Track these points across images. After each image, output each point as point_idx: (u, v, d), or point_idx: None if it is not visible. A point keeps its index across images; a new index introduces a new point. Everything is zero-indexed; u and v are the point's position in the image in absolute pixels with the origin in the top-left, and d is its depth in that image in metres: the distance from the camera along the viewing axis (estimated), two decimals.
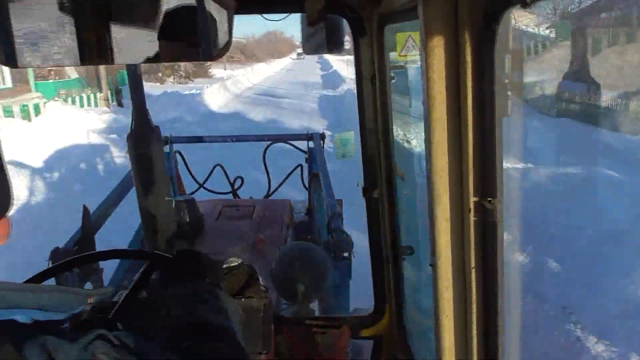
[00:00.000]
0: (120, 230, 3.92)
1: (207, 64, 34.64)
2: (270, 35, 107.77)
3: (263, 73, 46.44)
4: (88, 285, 2.92)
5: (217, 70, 46.78)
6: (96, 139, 12.98)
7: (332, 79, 33.20)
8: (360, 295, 2.95)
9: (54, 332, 0.73)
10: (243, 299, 1.87)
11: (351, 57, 2.11)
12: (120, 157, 10.81)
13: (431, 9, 0.97)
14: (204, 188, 4.88)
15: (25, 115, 15.98)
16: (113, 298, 1.23)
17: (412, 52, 2.24)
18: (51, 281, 1.50)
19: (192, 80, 36.64)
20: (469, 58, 0.96)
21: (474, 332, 1.15)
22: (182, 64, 29.37)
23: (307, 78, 37.23)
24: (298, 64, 63.69)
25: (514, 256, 5.00)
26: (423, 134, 1.11)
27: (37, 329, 0.73)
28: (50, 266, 1.46)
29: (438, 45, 0.99)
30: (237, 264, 2.18)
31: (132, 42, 1.30)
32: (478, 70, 0.96)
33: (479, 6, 0.93)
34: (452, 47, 0.98)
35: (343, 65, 38.01)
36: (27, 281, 1.37)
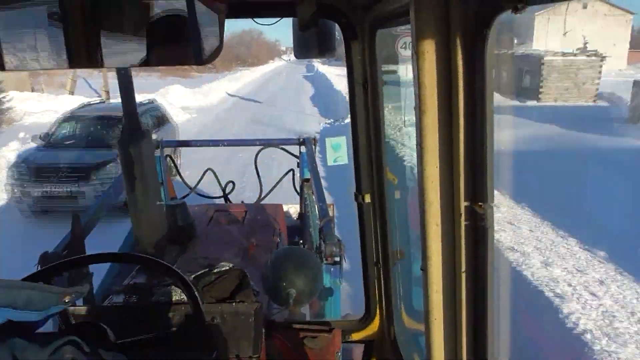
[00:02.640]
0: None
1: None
2: (245, 35, 78.69)
3: None
4: None
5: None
6: None
7: None
8: None
9: (24, 334, 0.72)
10: (234, 303, 1.86)
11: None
12: None
13: (423, 13, 0.98)
14: (195, 192, 4.86)
15: None
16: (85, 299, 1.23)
17: None
18: None
19: None
20: (460, 62, 0.96)
21: (464, 335, 1.15)
22: None
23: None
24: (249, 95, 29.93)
25: None
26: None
27: (7, 330, 0.71)
28: (40, 269, 1.45)
29: (429, 49, 0.99)
30: (228, 268, 2.18)
31: (122, 46, 1.30)
32: (469, 75, 0.96)
33: (471, 11, 0.93)
34: (443, 51, 0.99)
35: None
36: None
